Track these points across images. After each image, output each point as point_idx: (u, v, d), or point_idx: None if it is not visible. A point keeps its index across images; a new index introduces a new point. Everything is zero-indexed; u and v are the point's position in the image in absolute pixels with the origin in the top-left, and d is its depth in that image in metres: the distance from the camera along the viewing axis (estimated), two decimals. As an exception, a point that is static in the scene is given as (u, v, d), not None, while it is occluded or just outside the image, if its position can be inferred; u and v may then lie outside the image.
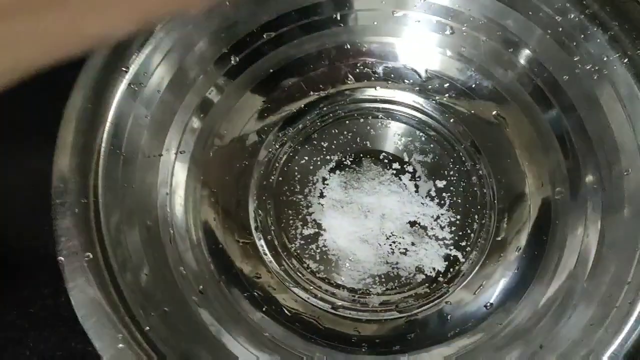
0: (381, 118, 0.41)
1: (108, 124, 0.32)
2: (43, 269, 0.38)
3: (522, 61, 0.38)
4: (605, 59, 0.34)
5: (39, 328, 0.37)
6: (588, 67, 0.34)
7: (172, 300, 0.32)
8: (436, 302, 0.36)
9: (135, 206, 0.33)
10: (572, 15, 0.34)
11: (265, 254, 0.38)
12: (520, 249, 0.36)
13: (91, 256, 0.29)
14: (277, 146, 0.41)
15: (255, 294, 0.36)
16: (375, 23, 0.40)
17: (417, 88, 0.41)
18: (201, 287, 0.34)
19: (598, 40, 0.34)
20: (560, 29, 0.35)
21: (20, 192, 0.41)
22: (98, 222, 0.30)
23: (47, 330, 0.36)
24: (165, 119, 0.36)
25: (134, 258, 0.31)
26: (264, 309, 0.36)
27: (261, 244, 0.38)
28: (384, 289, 0.37)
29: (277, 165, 0.40)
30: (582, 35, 0.34)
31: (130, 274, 0.30)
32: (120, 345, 0.27)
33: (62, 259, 0.28)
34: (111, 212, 0.31)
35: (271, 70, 0.40)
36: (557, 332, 0.30)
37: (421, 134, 0.41)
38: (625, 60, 0.33)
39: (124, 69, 0.33)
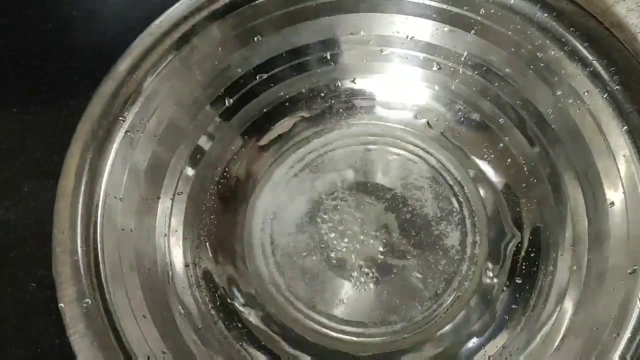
0: (372, 152, 0.42)
1: (107, 171, 0.34)
2: (49, 310, 0.39)
3: (507, 95, 0.38)
4: (586, 93, 0.34)
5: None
6: (570, 101, 0.35)
7: (172, 341, 0.33)
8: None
9: (134, 249, 0.34)
10: (553, 52, 0.35)
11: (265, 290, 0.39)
12: (511, 281, 0.37)
13: (90, 302, 0.30)
14: (271, 186, 0.42)
15: (255, 332, 0.37)
16: (365, 61, 0.42)
17: (408, 122, 0.42)
18: (200, 326, 0.35)
19: (578, 76, 0.34)
20: (542, 65, 0.36)
21: (22, 231, 0.43)
22: (97, 268, 0.31)
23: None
24: (162, 163, 0.37)
25: (132, 301, 0.32)
26: (263, 347, 0.36)
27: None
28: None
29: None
30: (563, 71, 0.35)
31: (129, 317, 0.31)
32: (120, 390, 0.28)
33: (63, 305, 0.30)
34: (110, 258, 0.32)
35: (265, 110, 0.42)
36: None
37: (412, 167, 0.42)
38: (605, 95, 0.33)
39: (121, 118, 0.35)
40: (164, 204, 0.37)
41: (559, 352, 0.31)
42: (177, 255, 0.37)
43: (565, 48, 0.35)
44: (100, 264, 0.32)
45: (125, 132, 0.35)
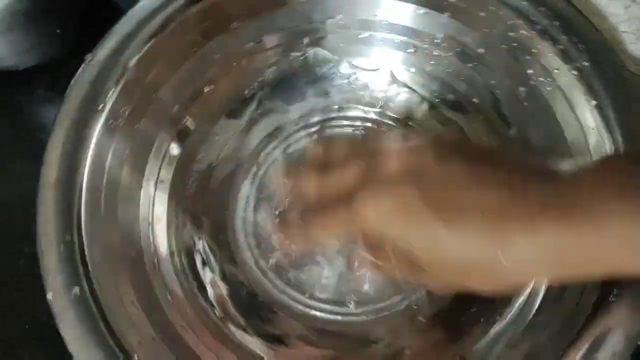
0: (353, 133, 0.43)
1: (88, 161, 0.34)
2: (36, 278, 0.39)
3: (481, 75, 0.40)
4: (556, 71, 0.36)
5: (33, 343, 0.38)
6: (541, 79, 0.36)
7: (160, 327, 0.33)
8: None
9: (119, 238, 0.34)
10: (524, 32, 0.36)
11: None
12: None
13: (78, 292, 0.30)
14: (255, 168, 0.42)
15: (241, 318, 0.37)
16: (342, 45, 0.42)
17: (384, 105, 0.43)
18: (187, 311, 0.35)
19: (549, 54, 0.36)
20: (515, 44, 0.37)
21: (9, 213, 0.42)
22: (83, 257, 0.31)
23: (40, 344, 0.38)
24: (144, 151, 0.37)
25: (120, 289, 0.32)
26: (250, 331, 0.37)
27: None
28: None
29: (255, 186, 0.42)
30: (535, 50, 0.36)
31: (117, 304, 0.31)
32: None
33: (51, 295, 0.30)
34: (95, 247, 0.32)
35: (245, 93, 0.42)
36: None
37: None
38: (574, 72, 0.35)
39: (100, 107, 0.34)
40: (147, 192, 0.37)
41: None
42: (162, 243, 0.37)
43: (536, 27, 0.36)
44: (87, 253, 0.31)
45: (105, 120, 0.35)
